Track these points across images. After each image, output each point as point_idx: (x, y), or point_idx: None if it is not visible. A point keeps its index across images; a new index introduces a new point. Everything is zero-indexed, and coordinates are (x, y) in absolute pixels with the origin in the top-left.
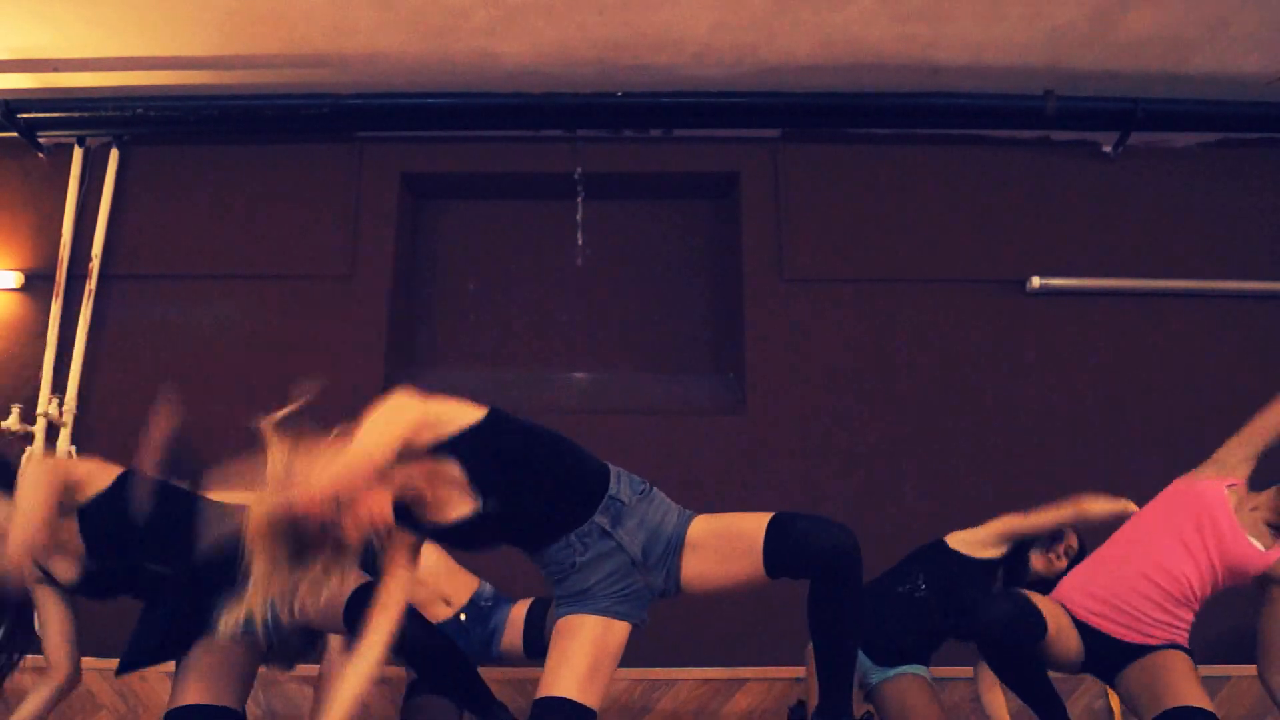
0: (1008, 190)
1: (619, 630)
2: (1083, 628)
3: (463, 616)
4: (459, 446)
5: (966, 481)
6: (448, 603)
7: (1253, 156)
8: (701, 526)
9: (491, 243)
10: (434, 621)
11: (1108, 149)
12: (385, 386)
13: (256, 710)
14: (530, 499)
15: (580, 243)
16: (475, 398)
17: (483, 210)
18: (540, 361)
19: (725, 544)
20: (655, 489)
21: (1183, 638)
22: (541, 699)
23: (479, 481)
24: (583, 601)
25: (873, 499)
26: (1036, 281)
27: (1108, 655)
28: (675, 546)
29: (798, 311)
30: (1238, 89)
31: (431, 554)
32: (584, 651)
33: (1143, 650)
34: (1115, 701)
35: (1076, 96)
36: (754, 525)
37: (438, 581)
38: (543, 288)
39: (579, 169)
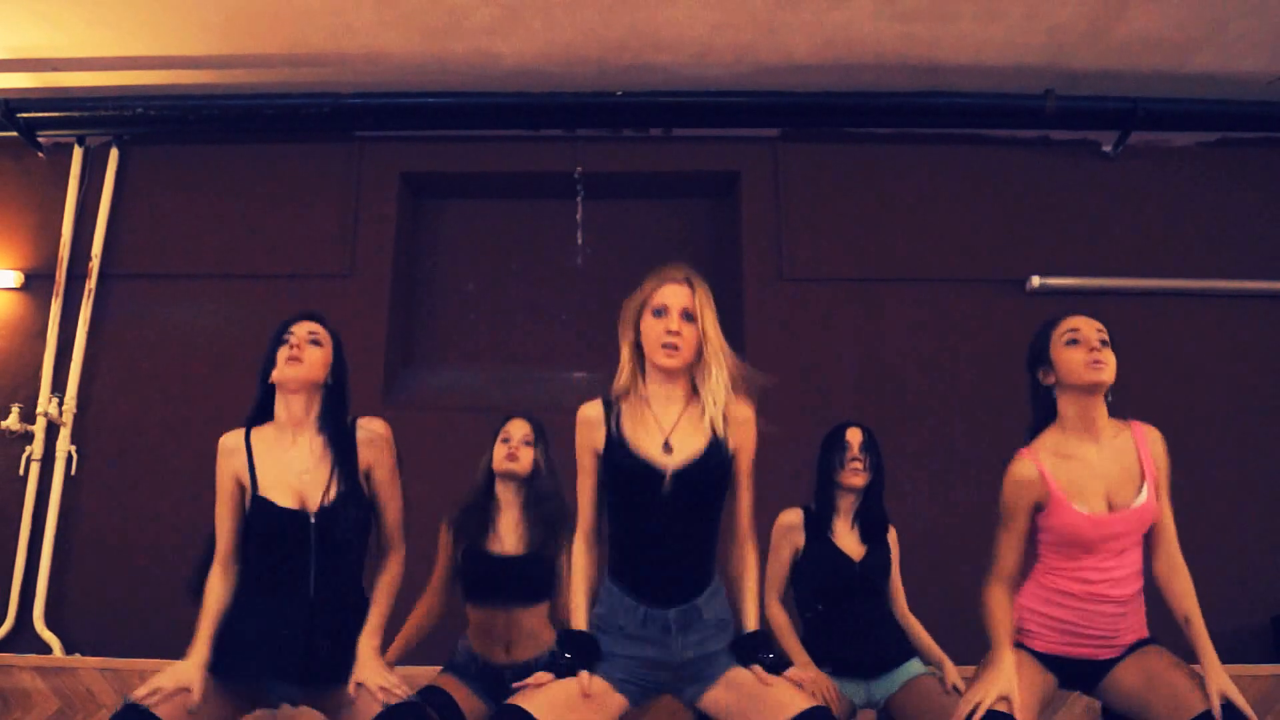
0: (1007, 190)
1: (616, 700)
2: (1051, 659)
3: (508, 673)
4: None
5: (966, 480)
6: (507, 650)
7: (1252, 156)
8: (745, 674)
9: (491, 242)
10: (485, 658)
11: (1107, 148)
12: (385, 384)
13: None
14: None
15: (580, 242)
16: (474, 397)
17: (482, 209)
18: (540, 360)
19: (753, 702)
20: (733, 623)
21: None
22: (504, 704)
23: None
24: (605, 663)
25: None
26: (1036, 281)
27: (1082, 674)
28: (713, 675)
29: (797, 311)
30: (1237, 89)
31: (535, 616)
32: (571, 692)
33: (1116, 660)
34: None
35: (1076, 96)
36: (787, 705)
37: (518, 627)
38: (542, 287)
39: (579, 168)
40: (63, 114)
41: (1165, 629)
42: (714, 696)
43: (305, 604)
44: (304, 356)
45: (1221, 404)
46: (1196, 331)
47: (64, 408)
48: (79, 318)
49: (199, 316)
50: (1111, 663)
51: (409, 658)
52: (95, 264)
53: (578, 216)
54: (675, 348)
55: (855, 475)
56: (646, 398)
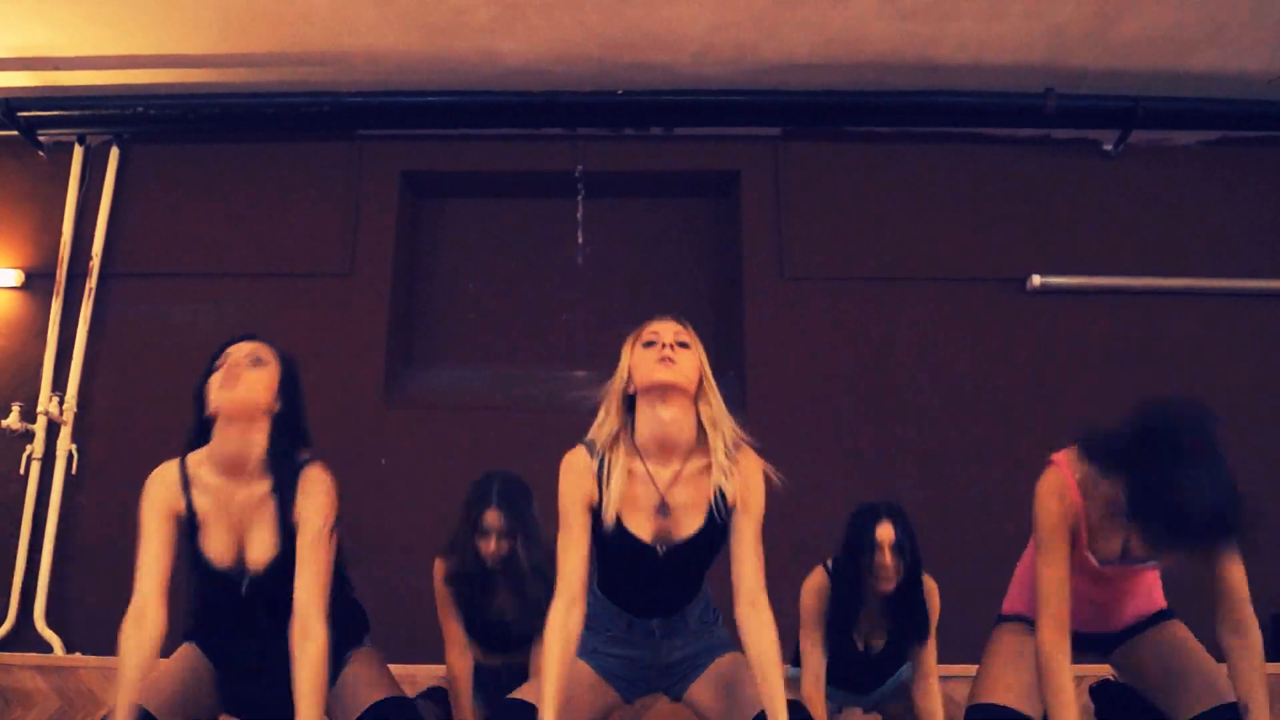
0: (1008, 188)
1: (608, 692)
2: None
3: (504, 674)
4: None
5: (966, 480)
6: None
7: (1253, 155)
8: (726, 666)
9: (492, 241)
10: (483, 664)
11: (1108, 147)
12: (385, 384)
13: None
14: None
15: (581, 241)
16: (474, 396)
17: (483, 208)
18: (540, 360)
19: (728, 698)
20: (720, 622)
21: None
22: (507, 698)
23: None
24: (596, 657)
25: (866, 491)
26: (1037, 280)
27: (1092, 645)
28: (701, 668)
29: (798, 310)
30: (1238, 87)
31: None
32: (569, 687)
33: (1134, 630)
34: None
35: (1077, 95)
36: (753, 700)
37: (521, 664)
38: (543, 286)
39: (579, 167)
40: (63, 113)
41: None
42: (696, 692)
43: (254, 675)
44: (241, 377)
45: (1222, 402)
46: (1197, 330)
47: (64, 407)
48: (79, 316)
49: (199, 315)
50: (1125, 633)
51: (411, 656)
52: (96, 263)
53: (578, 215)
54: (671, 360)
55: (886, 582)
56: (637, 449)
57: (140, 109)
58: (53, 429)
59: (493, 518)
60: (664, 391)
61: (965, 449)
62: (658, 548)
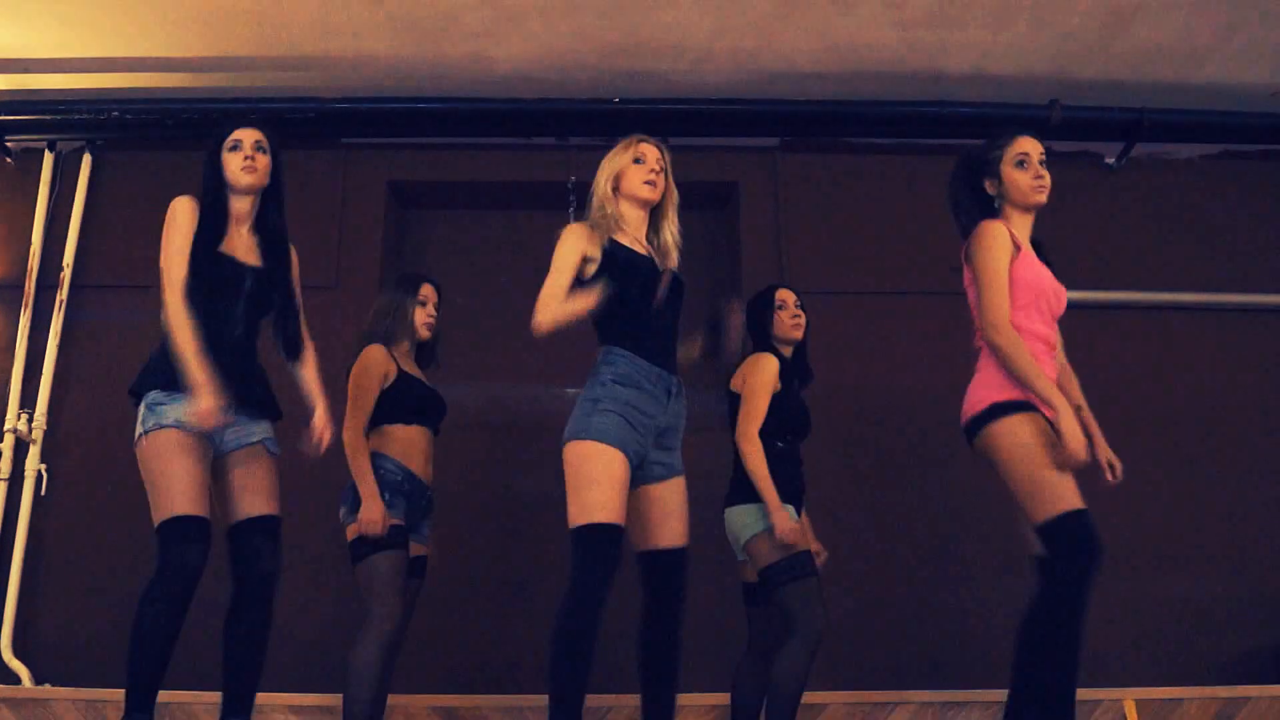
0: None
1: (628, 473)
2: None
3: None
4: None
5: (966, 492)
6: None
7: (1255, 168)
8: (681, 490)
9: (481, 254)
10: (417, 475)
11: (1110, 160)
12: None
13: None
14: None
15: None
16: (464, 413)
17: (472, 220)
18: (532, 376)
19: (662, 518)
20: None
21: None
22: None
23: None
24: (630, 412)
25: (873, 512)
26: None
27: None
28: (667, 468)
29: None
30: (1243, 100)
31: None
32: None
33: None
34: (1132, 716)
35: (1082, 106)
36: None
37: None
38: (534, 300)
39: (572, 178)
40: (33, 117)
41: None
42: (659, 493)
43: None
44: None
45: (1225, 418)
46: (1198, 344)
47: (33, 424)
48: (49, 329)
49: None
50: None
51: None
52: (67, 274)
53: None
54: (655, 184)
55: (797, 329)
56: (623, 228)
57: (114, 114)
58: (20, 448)
59: (429, 290)
60: (646, 203)
61: (968, 462)
62: (656, 261)
